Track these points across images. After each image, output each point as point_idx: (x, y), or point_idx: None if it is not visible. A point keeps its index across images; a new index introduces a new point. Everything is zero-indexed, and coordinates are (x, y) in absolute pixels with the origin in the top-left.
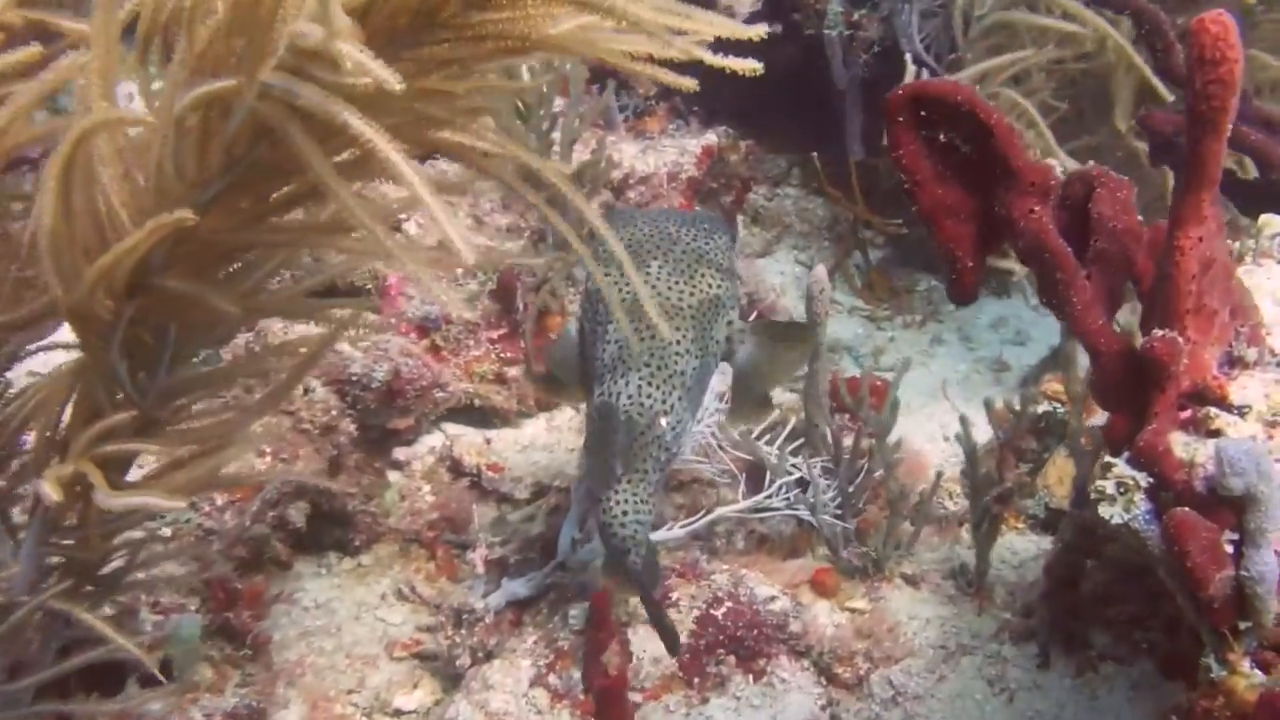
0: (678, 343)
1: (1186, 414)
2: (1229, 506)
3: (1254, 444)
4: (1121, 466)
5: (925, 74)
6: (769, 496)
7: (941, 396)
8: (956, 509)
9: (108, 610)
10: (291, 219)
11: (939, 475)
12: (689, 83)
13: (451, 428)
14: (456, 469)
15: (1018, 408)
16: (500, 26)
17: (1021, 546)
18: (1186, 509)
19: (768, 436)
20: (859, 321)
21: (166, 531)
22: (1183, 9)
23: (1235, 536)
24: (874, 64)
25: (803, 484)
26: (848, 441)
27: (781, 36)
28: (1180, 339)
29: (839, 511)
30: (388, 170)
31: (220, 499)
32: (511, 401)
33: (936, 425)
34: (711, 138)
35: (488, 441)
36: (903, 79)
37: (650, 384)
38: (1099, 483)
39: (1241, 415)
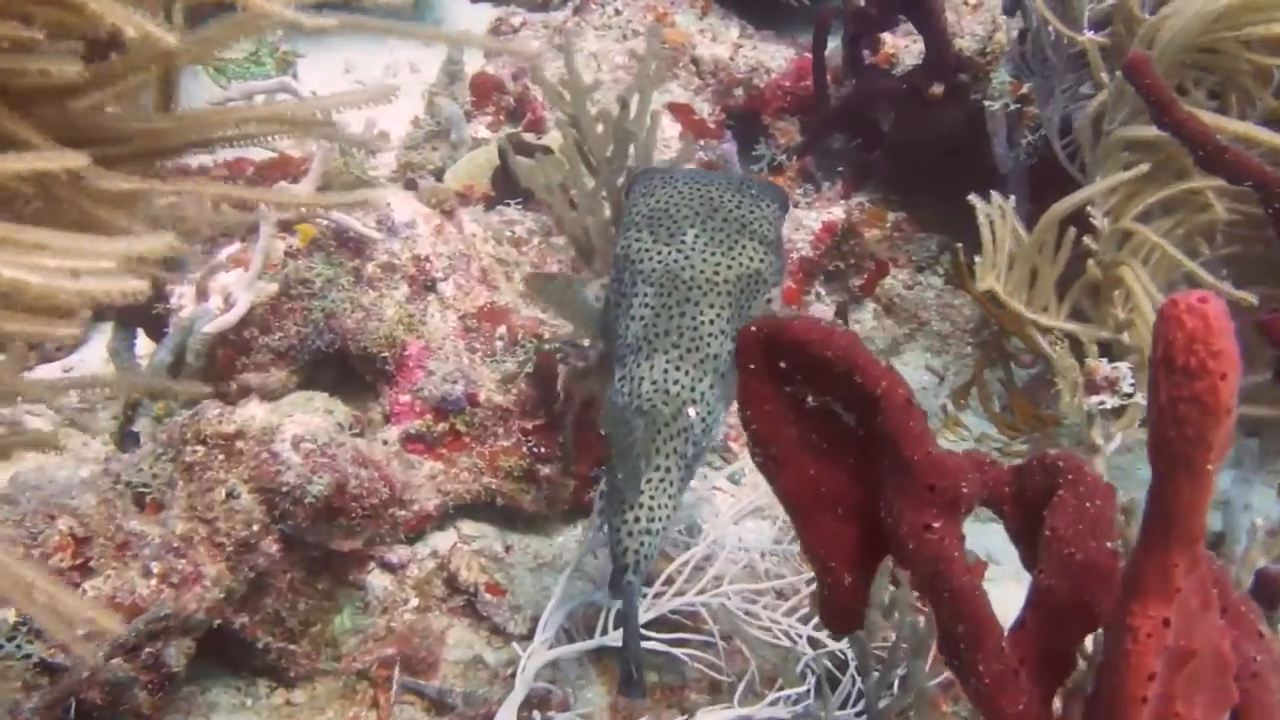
0: (711, 322)
1: None
2: None
3: None
4: None
5: None
6: (773, 702)
7: None
8: None
9: None
10: None
11: None
12: None
13: (469, 526)
14: (452, 583)
15: None
16: None
17: None
18: None
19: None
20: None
21: None
22: None
23: None
24: (1044, 148)
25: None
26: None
27: (944, 98)
28: None
29: None
30: None
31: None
32: (541, 504)
33: None
34: (839, 212)
35: (507, 549)
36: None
37: (679, 368)
38: None
39: None
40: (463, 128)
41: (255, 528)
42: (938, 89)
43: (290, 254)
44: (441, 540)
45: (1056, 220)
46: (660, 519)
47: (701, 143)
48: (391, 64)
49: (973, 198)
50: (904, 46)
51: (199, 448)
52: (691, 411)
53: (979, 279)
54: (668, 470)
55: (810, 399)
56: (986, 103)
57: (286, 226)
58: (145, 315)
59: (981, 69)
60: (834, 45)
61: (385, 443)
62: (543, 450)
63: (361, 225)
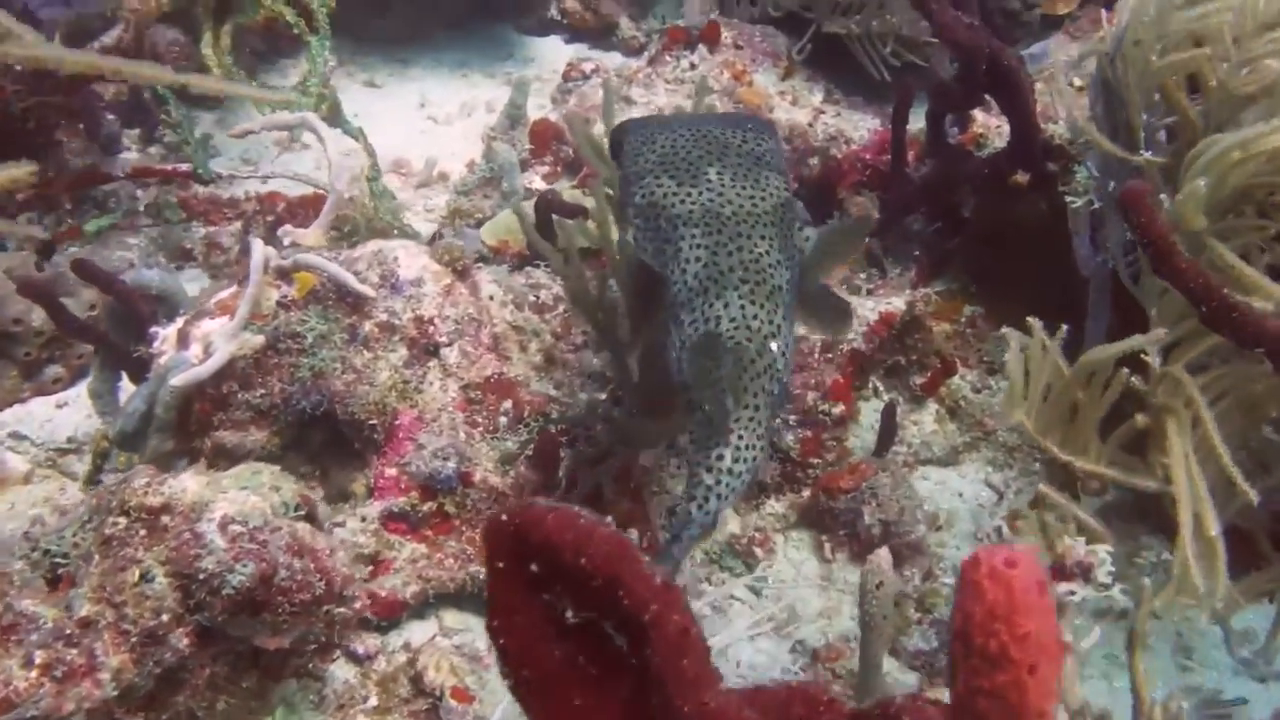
0: (767, 253)
1: None
2: None
3: None
4: None
5: None
6: None
7: None
8: None
9: None
10: None
11: None
12: None
13: (451, 617)
14: (419, 683)
15: None
16: None
17: None
18: None
19: None
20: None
21: None
22: None
23: None
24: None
25: None
26: None
27: (1029, 187)
28: None
29: None
30: None
31: None
32: None
33: None
34: (899, 302)
35: (489, 647)
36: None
37: (753, 303)
38: None
39: None
40: (515, 176)
41: (166, 617)
42: (1022, 177)
43: (284, 304)
44: (420, 630)
45: (1091, 367)
46: (747, 460)
47: None
48: (468, 102)
49: (1007, 331)
50: (994, 127)
51: (121, 519)
52: (774, 346)
53: (1004, 411)
54: (757, 409)
55: (571, 613)
56: (1069, 199)
57: (285, 274)
58: (128, 357)
59: (1072, 159)
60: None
61: (364, 519)
62: None
63: (356, 281)
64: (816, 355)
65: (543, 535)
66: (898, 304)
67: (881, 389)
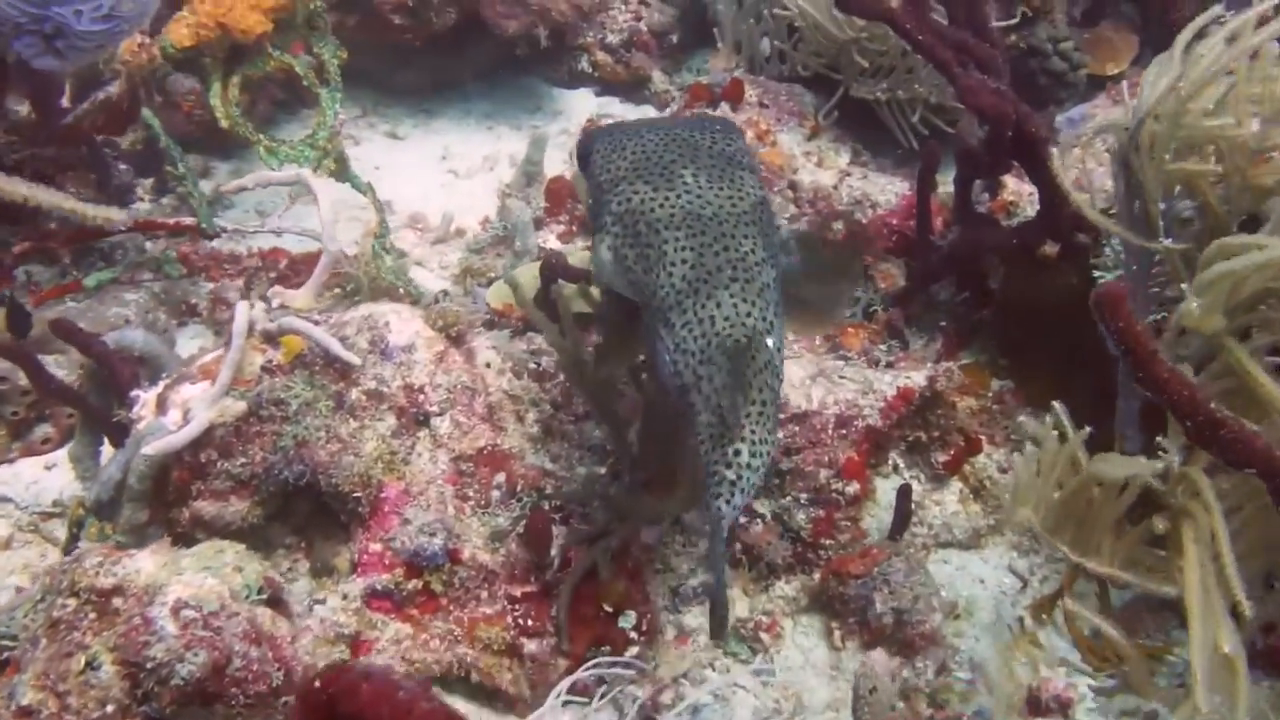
0: (752, 251)
1: None
2: None
3: None
4: None
5: None
6: None
7: None
8: None
9: None
10: None
11: None
12: None
13: None
14: None
15: None
16: None
17: None
18: None
19: None
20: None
21: None
22: None
23: None
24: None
25: None
26: None
27: (1059, 259)
28: None
29: None
30: None
31: None
32: (522, 685)
33: None
34: (919, 378)
35: None
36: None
37: (745, 299)
38: None
39: None
40: (529, 235)
41: (111, 708)
42: (1052, 249)
43: (269, 369)
44: None
45: (1102, 479)
46: (762, 454)
47: None
48: (491, 155)
49: (1024, 420)
50: (1026, 194)
51: (70, 601)
52: (770, 341)
53: (1010, 509)
54: (764, 404)
55: None
56: (1096, 273)
57: (271, 338)
58: (109, 421)
59: (1102, 233)
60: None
61: (346, 597)
62: (530, 622)
63: (341, 347)
64: (830, 431)
65: (356, 707)
66: (917, 379)
67: (902, 465)
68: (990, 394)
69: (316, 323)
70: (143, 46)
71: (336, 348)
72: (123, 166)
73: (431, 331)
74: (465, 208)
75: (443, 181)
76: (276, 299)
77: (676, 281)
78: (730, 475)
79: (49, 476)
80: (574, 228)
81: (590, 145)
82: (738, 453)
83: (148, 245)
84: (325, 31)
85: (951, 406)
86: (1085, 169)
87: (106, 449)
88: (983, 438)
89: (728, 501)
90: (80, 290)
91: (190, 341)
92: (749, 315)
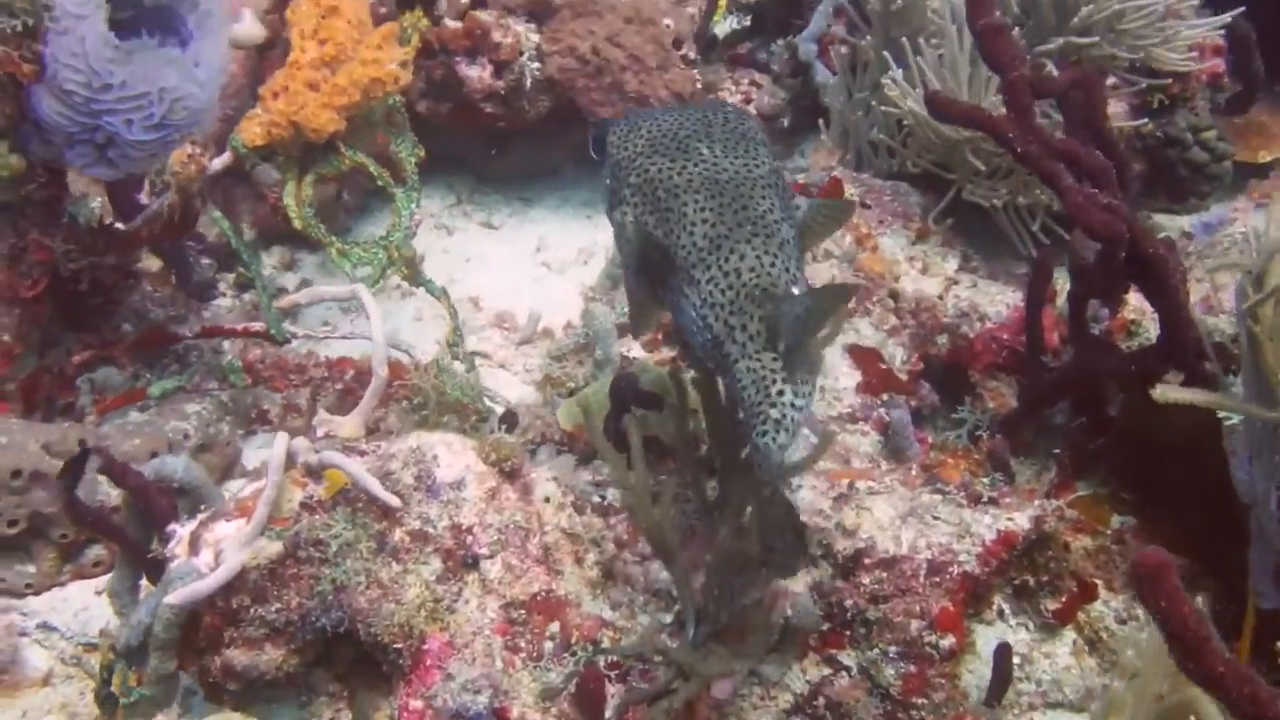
0: (770, 210)
1: None
2: None
3: None
4: None
5: None
6: None
7: None
8: None
9: None
10: None
11: None
12: None
13: None
14: None
15: None
16: None
17: None
18: None
19: None
20: None
21: None
22: None
23: None
24: None
25: None
26: None
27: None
28: None
29: None
30: None
31: None
32: None
33: None
34: (1024, 520)
35: None
36: None
37: (767, 252)
38: None
39: None
40: (611, 344)
41: None
42: (1175, 378)
43: (308, 505)
44: None
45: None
46: (805, 394)
47: (884, 397)
48: (587, 247)
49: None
50: (1149, 313)
51: None
52: (795, 291)
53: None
54: (801, 349)
55: None
56: (1222, 414)
57: (313, 472)
58: (146, 557)
59: (1235, 360)
60: None
61: None
62: None
63: (381, 488)
64: (922, 578)
65: None
66: (1020, 521)
67: (1007, 611)
68: (1109, 531)
69: (363, 453)
70: (192, 157)
71: (376, 489)
72: (205, 261)
73: (484, 466)
74: (557, 304)
75: (535, 275)
76: (323, 427)
77: (699, 240)
78: (775, 414)
79: (99, 602)
80: (659, 335)
81: (605, 129)
82: (781, 393)
83: (224, 345)
84: (404, 128)
85: (1064, 547)
86: (1215, 285)
87: (146, 584)
88: (1099, 582)
89: (774, 439)
90: (145, 398)
91: (257, 452)
92: (774, 266)
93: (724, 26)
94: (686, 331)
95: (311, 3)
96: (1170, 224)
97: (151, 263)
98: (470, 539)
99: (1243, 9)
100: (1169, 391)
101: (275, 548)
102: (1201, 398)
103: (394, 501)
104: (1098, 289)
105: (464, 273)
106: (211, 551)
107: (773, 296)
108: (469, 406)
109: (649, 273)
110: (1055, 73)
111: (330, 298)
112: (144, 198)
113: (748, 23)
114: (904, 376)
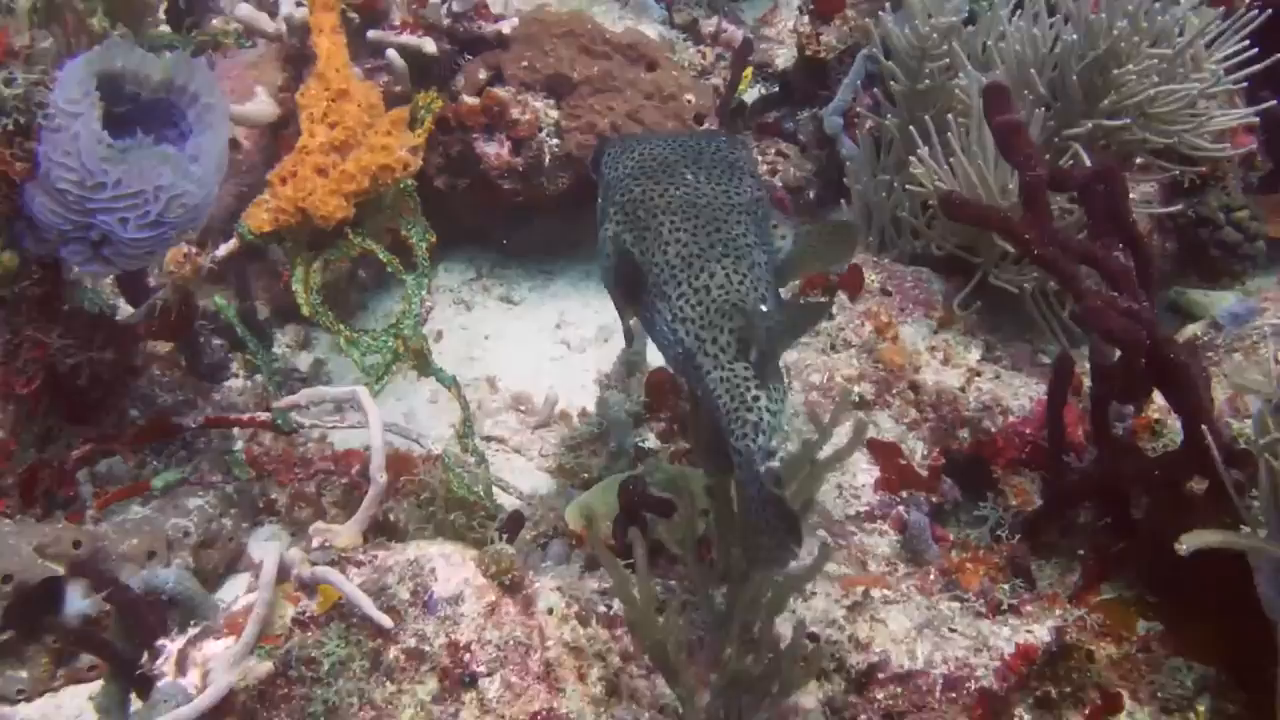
0: (744, 235)
1: None
2: None
3: None
4: None
5: None
6: None
7: None
8: None
9: None
10: None
11: None
12: None
13: None
14: None
15: None
16: None
17: None
18: None
19: None
20: None
21: None
22: None
23: None
24: None
25: None
26: None
27: (1208, 497)
28: None
29: None
30: None
31: None
32: None
33: None
34: (1044, 632)
35: None
36: None
37: (737, 272)
38: None
39: None
40: (626, 435)
41: None
42: (1200, 484)
43: (301, 621)
44: None
45: None
46: (778, 400)
47: (903, 494)
48: (607, 325)
49: None
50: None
51: None
52: (764, 309)
53: None
54: (772, 359)
55: None
56: (1244, 527)
57: (307, 586)
58: (135, 673)
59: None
60: None
61: None
62: None
63: (373, 607)
64: (938, 694)
65: None
66: (1040, 634)
67: None
68: (1135, 639)
69: (360, 563)
70: (188, 256)
71: (369, 608)
72: (217, 342)
73: (483, 579)
74: (576, 385)
75: (554, 354)
76: (319, 536)
77: (671, 258)
78: (752, 418)
79: (91, 710)
80: (675, 426)
81: (602, 150)
82: (756, 398)
83: (234, 432)
84: (415, 213)
85: (1087, 657)
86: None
87: (135, 702)
88: (1124, 693)
89: (753, 442)
90: (148, 491)
91: (263, 545)
92: (743, 283)
93: (751, 94)
94: (659, 346)
95: (321, 85)
96: (1204, 301)
97: (161, 345)
98: (468, 656)
99: (1275, 102)
100: (1192, 540)
101: (265, 667)
102: (1227, 540)
103: (386, 622)
104: (1120, 392)
105: (482, 350)
106: (199, 671)
107: (743, 310)
108: (477, 504)
109: (626, 288)
110: (1085, 157)
111: (331, 399)
112: (154, 280)
113: (775, 89)
114: (924, 472)
